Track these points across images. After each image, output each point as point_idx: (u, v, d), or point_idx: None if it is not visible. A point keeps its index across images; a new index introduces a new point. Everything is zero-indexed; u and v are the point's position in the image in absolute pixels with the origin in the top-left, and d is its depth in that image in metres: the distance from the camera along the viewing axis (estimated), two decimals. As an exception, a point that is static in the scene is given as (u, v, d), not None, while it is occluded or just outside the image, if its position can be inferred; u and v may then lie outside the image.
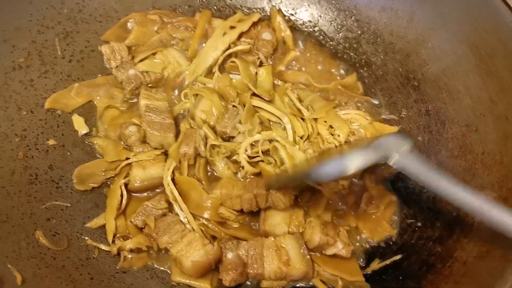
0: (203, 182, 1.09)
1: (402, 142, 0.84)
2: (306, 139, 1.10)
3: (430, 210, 1.03)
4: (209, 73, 1.24)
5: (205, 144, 1.10)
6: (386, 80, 1.24)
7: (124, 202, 1.06)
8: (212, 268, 0.98)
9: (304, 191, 1.07)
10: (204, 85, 1.21)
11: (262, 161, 1.09)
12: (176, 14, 1.34)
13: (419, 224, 1.03)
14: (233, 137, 1.12)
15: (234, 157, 1.10)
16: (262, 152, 1.08)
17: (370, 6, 1.27)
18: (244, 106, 1.12)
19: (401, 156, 0.82)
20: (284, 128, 1.10)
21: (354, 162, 0.81)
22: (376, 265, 1.02)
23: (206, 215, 1.04)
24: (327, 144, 1.10)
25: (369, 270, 1.02)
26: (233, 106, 1.14)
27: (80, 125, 1.17)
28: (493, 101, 1.01)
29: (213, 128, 1.13)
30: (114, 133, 1.17)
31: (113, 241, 1.03)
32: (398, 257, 1.01)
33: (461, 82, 1.09)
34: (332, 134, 1.12)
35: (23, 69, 1.12)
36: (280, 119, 1.12)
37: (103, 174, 1.11)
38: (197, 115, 1.14)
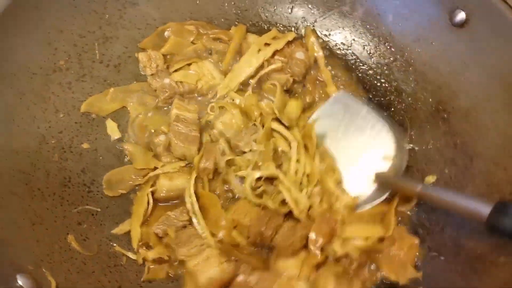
0: (221, 199, 1.11)
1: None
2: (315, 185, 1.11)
3: (453, 245, 1.05)
4: (243, 88, 1.25)
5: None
6: (415, 109, 1.25)
7: (149, 210, 1.08)
8: (226, 284, 0.99)
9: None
10: (232, 100, 1.23)
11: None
12: (212, 26, 1.36)
13: (442, 258, 1.05)
14: (244, 152, 1.13)
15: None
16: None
17: (405, 35, 1.28)
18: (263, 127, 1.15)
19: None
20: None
21: None
22: (397, 297, 1.03)
23: (220, 234, 1.04)
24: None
25: (390, 302, 1.04)
26: (253, 124, 1.16)
27: (113, 130, 1.19)
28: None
29: (228, 142, 1.15)
30: (143, 140, 1.19)
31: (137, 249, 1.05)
32: (420, 288, 1.03)
33: (490, 118, 1.10)
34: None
35: (63, 71, 1.15)
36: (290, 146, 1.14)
37: (131, 181, 1.13)
38: (217, 125, 1.16)
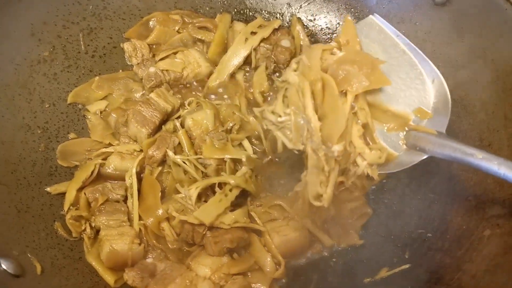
0: (166, 190, 1.09)
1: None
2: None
3: (440, 221, 1.05)
4: (232, 78, 1.26)
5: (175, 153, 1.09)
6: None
7: (90, 179, 1.07)
8: (127, 266, 0.98)
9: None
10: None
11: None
12: (197, 15, 1.36)
13: (429, 234, 1.05)
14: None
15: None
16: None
17: (389, 17, 1.28)
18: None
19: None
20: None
21: None
22: (384, 273, 1.04)
23: (148, 222, 1.02)
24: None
25: (377, 278, 1.04)
26: (223, 131, 1.13)
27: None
28: (507, 118, 1.03)
29: (192, 140, 1.13)
30: (113, 119, 1.18)
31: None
32: (406, 266, 1.03)
33: (476, 97, 1.11)
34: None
35: (48, 62, 1.15)
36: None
37: (86, 153, 1.13)
38: (186, 121, 1.14)
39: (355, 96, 0.94)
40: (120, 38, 1.28)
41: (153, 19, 1.32)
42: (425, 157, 0.94)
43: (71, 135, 1.14)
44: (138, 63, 1.25)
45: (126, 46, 1.25)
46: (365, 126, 0.98)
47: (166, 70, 1.23)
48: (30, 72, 1.11)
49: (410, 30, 1.24)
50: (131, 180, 1.05)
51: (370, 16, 1.11)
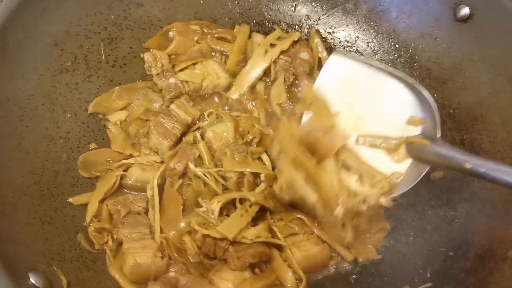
0: (186, 202, 1.08)
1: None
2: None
3: (461, 240, 1.05)
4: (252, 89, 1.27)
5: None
6: (421, 105, 1.25)
7: (112, 190, 1.08)
8: (150, 279, 0.97)
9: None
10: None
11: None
12: (216, 26, 1.36)
13: (451, 253, 1.05)
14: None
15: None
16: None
17: (409, 31, 1.29)
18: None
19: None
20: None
21: None
22: (405, 292, 1.04)
23: (170, 235, 1.02)
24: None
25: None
26: (243, 144, 1.13)
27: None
28: (530, 137, 1.03)
29: (212, 153, 1.13)
30: (133, 130, 1.19)
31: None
32: (428, 285, 1.03)
33: (497, 115, 1.11)
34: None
35: (70, 72, 1.16)
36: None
37: (107, 164, 1.13)
38: (206, 133, 1.15)
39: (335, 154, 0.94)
40: (140, 48, 1.28)
41: (172, 29, 1.33)
42: (428, 167, 0.95)
43: (92, 145, 1.15)
44: (158, 74, 1.25)
45: (146, 56, 1.26)
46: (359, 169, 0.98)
47: (186, 81, 1.23)
48: (53, 82, 1.11)
49: (430, 45, 1.25)
50: (153, 191, 1.06)
51: (331, 55, 1.10)
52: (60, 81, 1.13)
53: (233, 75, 1.29)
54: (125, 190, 1.11)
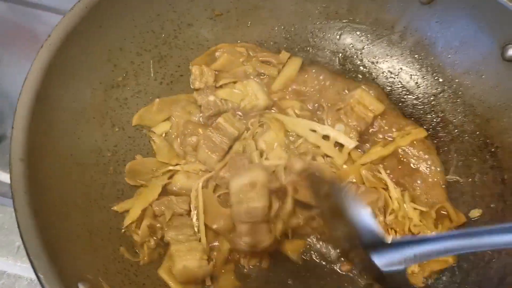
0: None
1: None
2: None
3: (499, 281, 1.04)
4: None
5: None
6: (462, 141, 1.26)
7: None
8: (198, 282, 1.03)
9: None
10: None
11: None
12: (261, 49, 1.39)
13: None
14: None
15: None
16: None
17: (454, 66, 1.29)
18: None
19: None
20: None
21: None
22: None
23: (221, 223, 1.07)
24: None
25: None
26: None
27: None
28: None
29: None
30: (178, 140, 1.22)
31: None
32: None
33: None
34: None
35: (120, 87, 1.19)
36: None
37: (151, 174, 1.16)
38: (259, 143, 1.17)
39: None
40: (187, 67, 1.32)
41: (219, 50, 1.36)
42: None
43: (138, 157, 1.17)
44: (199, 89, 1.28)
45: (194, 69, 1.28)
46: None
47: (225, 100, 1.26)
48: (104, 96, 1.15)
49: (475, 82, 1.25)
50: (197, 192, 1.09)
51: None
52: (111, 95, 1.16)
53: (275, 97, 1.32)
54: (168, 194, 1.15)
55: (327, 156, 1.22)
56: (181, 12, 1.28)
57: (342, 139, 1.23)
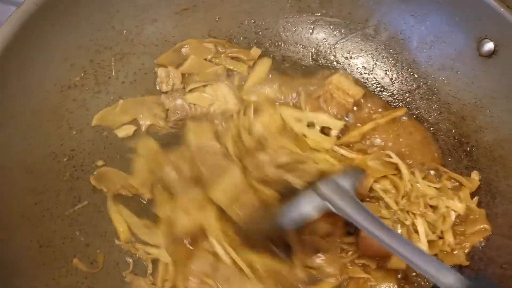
0: None
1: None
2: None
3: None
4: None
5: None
6: (437, 140, 1.21)
7: None
8: None
9: None
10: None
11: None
12: (231, 45, 1.33)
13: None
14: None
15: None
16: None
17: (430, 62, 1.24)
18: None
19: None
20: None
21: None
22: None
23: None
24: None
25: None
26: None
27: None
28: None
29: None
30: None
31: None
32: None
33: (517, 156, 1.06)
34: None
35: (78, 87, 1.13)
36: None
37: (118, 188, 1.10)
38: (256, 127, 1.12)
39: None
40: (151, 64, 1.25)
41: (186, 46, 1.29)
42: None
43: (99, 162, 1.12)
44: (166, 92, 1.22)
45: (160, 71, 1.23)
46: None
47: (194, 104, 1.20)
48: (60, 97, 1.09)
49: (451, 79, 1.21)
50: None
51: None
52: (68, 96, 1.10)
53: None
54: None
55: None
56: (143, 7, 1.21)
57: (329, 122, 1.19)
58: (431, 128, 1.23)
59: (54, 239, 0.97)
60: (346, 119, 1.22)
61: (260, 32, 1.35)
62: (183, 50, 1.30)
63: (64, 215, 1.02)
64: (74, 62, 1.12)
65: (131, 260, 1.04)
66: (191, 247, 1.02)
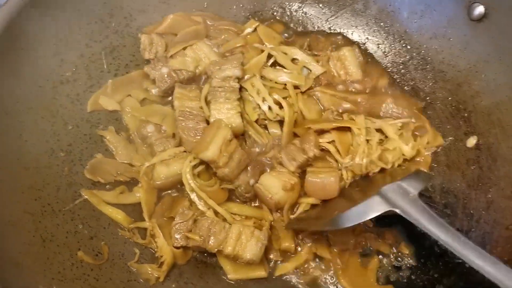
0: None
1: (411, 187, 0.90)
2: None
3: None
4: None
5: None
6: (435, 108, 1.21)
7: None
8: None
9: None
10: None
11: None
12: (220, 17, 1.31)
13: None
14: None
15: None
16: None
17: (421, 32, 1.24)
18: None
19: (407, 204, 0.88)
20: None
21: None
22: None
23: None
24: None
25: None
26: None
27: (108, 104, 1.16)
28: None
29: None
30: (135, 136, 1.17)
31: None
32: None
33: (516, 118, 1.05)
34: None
35: (70, 83, 1.13)
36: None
37: (115, 175, 1.10)
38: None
39: None
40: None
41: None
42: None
43: (99, 155, 1.11)
44: (149, 59, 1.21)
45: (143, 38, 1.21)
46: None
47: (179, 70, 1.18)
48: (53, 93, 1.09)
49: (444, 46, 1.20)
50: (188, 176, 1.05)
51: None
52: (61, 92, 1.10)
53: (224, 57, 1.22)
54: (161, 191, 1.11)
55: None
56: (131, -2, 1.20)
57: (311, 64, 1.20)
58: (428, 98, 1.22)
59: (57, 234, 0.96)
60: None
61: (250, 16, 1.34)
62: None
63: (65, 210, 1.01)
64: (64, 57, 1.12)
65: (137, 250, 1.03)
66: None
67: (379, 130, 1.11)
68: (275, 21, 1.35)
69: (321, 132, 1.10)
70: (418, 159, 1.14)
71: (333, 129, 1.09)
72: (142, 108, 1.19)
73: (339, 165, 1.09)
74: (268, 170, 1.10)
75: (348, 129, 1.10)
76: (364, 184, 1.07)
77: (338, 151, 1.08)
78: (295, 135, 1.12)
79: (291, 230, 1.05)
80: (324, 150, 1.09)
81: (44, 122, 1.06)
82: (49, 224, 0.96)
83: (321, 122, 1.10)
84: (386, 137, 1.11)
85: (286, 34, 1.31)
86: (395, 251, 1.08)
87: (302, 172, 1.08)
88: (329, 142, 1.09)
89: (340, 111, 1.16)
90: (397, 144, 1.09)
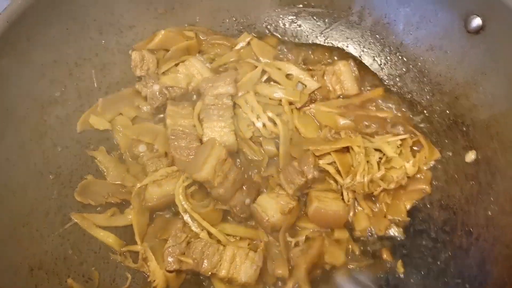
0: None
1: None
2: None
3: (477, 270, 0.98)
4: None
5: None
6: (432, 122, 1.18)
7: None
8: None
9: None
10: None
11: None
12: (213, 32, 1.29)
13: (467, 285, 0.98)
14: None
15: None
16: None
17: (417, 44, 1.21)
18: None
19: None
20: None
21: None
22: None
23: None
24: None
25: None
26: None
27: (99, 124, 1.14)
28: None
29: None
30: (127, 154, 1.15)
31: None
32: None
33: (513, 131, 1.03)
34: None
35: (60, 103, 1.10)
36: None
37: (106, 197, 1.08)
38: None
39: None
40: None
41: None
42: None
43: (89, 177, 1.09)
44: (140, 77, 1.19)
45: (135, 55, 1.19)
46: None
47: (171, 87, 1.17)
48: (41, 114, 1.07)
49: (440, 59, 1.18)
50: (181, 197, 1.03)
51: None
52: (49, 113, 1.08)
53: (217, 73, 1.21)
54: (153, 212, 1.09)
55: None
56: (120, 15, 1.19)
57: (305, 80, 1.18)
58: (425, 111, 1.20)
59: (45, 261, 0.94)
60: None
61: (243, 29, 1.32)
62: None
63: (55, 235, 0.99)
64: (53, 77, 1.09)
65: (129, 275, 1.01)
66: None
67: (377, 149, 1.08)
68: (269, 35, 1.32)
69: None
70: (418, 175, 1.11)
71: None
72: (134, 127, 1.16)
73: (339, 186, 1.06)
74: (265, 190, 1.08)
75: (347, 149, 1.07)
76: None
77: (338, 171, 1.05)
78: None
79: (285, 255, 1.02)
80: (323, 171, 1.06)
81: (32, 144, 1.04)
82: (37, 251, 0.94)
83: (320, 144, 1.08)
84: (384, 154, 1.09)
85: (280, 48, 1.29)
86: None
87: (301, 194, 1.05)
88: (329, 164, 1.06)
89: (338, 128, 1.13)
90: (402, 162, 1.07)
